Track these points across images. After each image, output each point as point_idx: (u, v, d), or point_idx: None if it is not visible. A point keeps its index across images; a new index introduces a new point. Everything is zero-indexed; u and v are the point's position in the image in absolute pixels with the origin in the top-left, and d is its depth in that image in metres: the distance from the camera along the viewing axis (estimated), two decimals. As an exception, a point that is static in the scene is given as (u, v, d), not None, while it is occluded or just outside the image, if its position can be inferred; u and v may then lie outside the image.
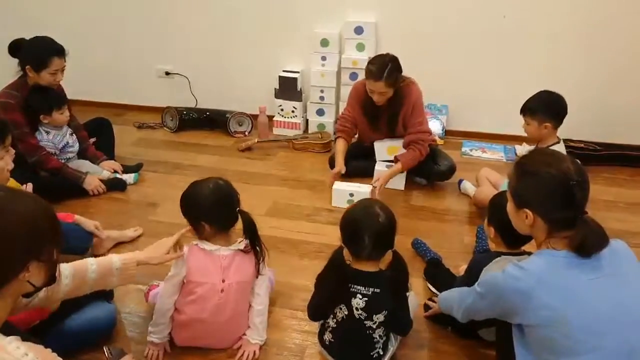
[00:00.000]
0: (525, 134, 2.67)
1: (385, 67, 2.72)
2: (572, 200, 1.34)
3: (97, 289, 1.66)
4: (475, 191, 2.85)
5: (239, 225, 1.82)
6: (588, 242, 1.32)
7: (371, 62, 2.79)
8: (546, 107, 2.54)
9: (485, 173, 2.83)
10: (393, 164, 2.90)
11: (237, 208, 1.81)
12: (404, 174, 2.97)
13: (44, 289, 1.42)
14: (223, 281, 1.77)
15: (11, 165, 2.02)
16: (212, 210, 1.77)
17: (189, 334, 1.84)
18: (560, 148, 2.55)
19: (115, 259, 1.66)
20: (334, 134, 3.28)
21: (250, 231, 1.82)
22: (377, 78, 2.72)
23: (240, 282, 1.80)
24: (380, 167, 2.95)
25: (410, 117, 2.89)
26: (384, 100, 2.83)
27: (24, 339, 1.13)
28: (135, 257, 1.69)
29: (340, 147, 3.02)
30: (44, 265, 1.24)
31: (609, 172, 3.33)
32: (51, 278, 1.29)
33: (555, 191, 1.35)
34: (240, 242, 1.82)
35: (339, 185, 2.84)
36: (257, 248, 1.83)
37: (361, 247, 1.65)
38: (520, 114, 2.60)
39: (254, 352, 1.85)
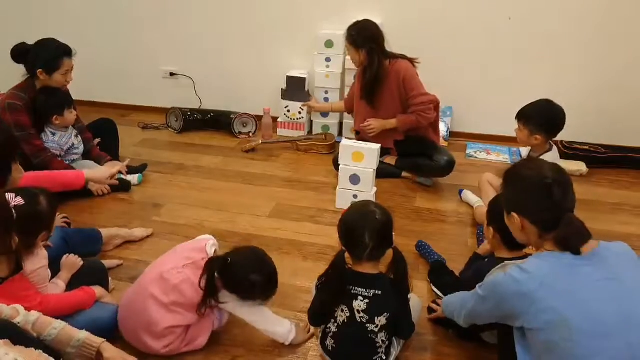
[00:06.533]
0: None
1: (351, 27, 2.98)
2: (551, 199, 1.37)
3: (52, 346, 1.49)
4: (477, 207, 2.75)
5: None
6: (569, 237, 1.35)
7: None
8: (542, 120, 2.47)
9: (488, 178, 2.77)
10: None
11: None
12: (377, 154, 2.71)
13: None
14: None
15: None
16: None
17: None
18: (554, 154, 2.52)
19: (82, 333, 1.54)
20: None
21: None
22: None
23: (175, 302, 1.72)
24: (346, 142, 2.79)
25: (405, 93, 2.97)
26: (357, 62, 3.02)
27: (16, 342, 1.10)
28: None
29: (336, 102, 3.60)
30: (2, 257, 1.16)
31: (615, 174, 3.30)
32: (16, 266, 1.22)
33: (533, 191, 1.41)
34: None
35: (345, 142, 2.78)
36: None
37: (362, 246, 1.65)
38: (515, 118, 2.56)
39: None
